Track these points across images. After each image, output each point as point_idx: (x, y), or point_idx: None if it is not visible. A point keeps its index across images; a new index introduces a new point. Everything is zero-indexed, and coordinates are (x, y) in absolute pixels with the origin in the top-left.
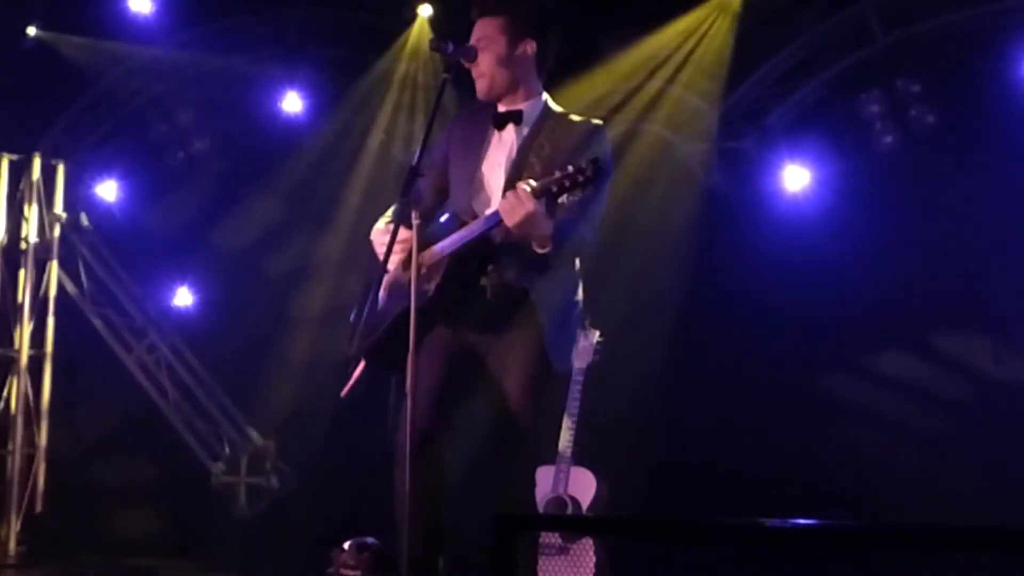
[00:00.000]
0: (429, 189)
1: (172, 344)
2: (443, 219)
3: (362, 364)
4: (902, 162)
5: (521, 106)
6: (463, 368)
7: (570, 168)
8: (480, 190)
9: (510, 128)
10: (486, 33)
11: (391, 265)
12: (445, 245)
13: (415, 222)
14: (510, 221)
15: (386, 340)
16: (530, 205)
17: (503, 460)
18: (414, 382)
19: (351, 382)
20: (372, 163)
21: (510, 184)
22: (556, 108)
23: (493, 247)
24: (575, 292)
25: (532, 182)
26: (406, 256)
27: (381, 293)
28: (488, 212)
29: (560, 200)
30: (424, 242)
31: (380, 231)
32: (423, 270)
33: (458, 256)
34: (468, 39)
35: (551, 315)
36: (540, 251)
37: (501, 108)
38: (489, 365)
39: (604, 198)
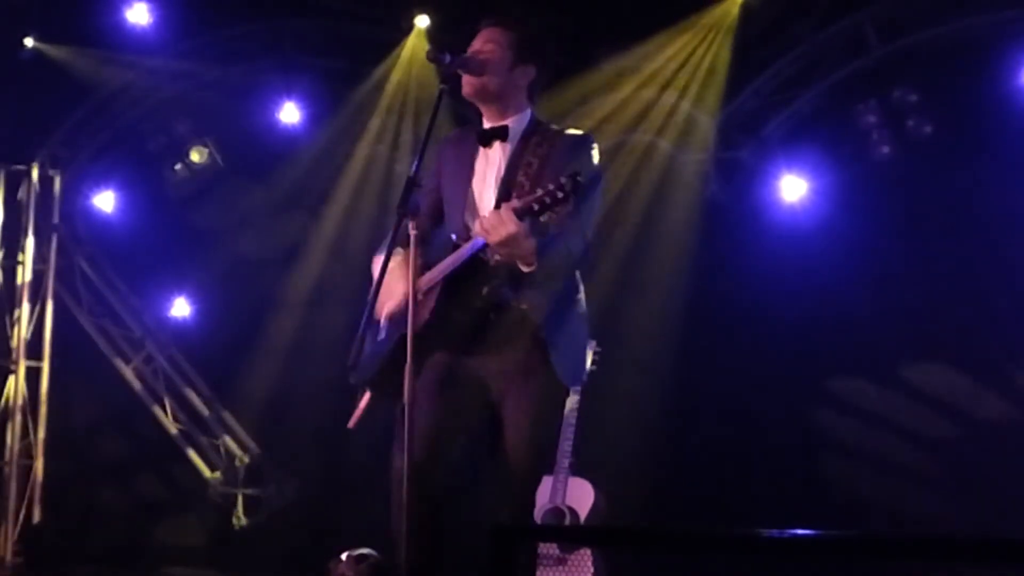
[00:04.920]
0: (425, 211)
1: (169, 355)
2: (438, 242)
3: (368, 394)
4: (899, 172)
5: (507, 122)
6: (462, 394)
7: (550, 186)
8: (473, 211)
9: (496, 145)
10: (493, 39)
11: (388, 306)
12: (438, 271)
13: (413, 232)
14: (492, 240)
15: (388, 368)
16: (512, 226)
17: (508, 483)
18: (412, 394)
19: (358, 412)
20: (369, 173)
21: (500, 204)
22: (543, 120)
23: (486, 268)
24: (576, 304)
25: (515, 202)
26: (398, 302)
27: (384, 322)
28: (472, 238)
29: (542, 219)
30: (421, 267)
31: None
32: (419, 296)
33: (451, 280)
34: (465, 50)
35: (551, 330)
36: (526, 269)
37: (487, 124)
38: (491, 386)
39: (594, 208)
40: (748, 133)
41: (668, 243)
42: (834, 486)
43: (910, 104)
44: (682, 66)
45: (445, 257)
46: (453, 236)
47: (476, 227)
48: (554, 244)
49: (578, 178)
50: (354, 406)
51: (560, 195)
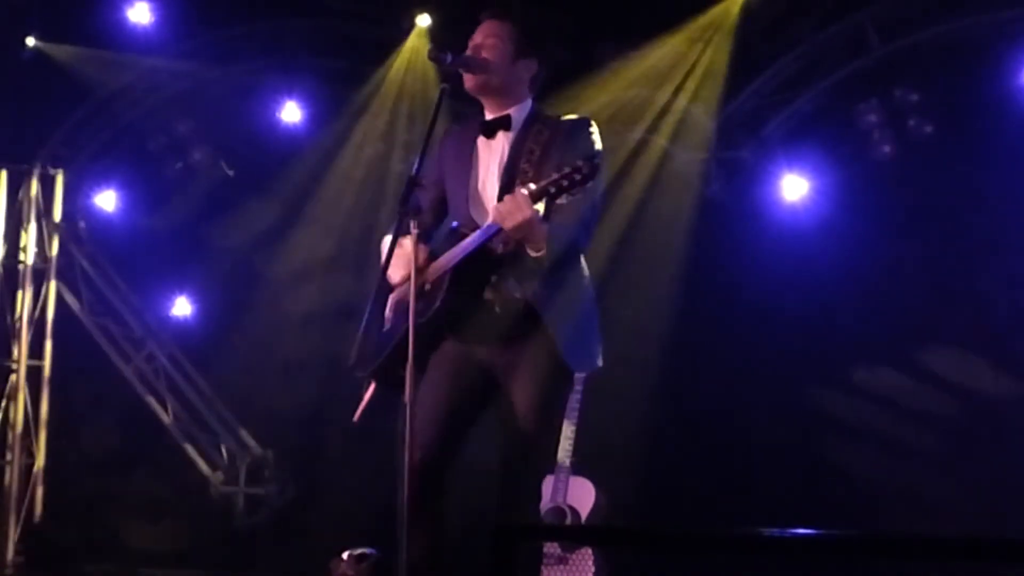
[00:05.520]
0: (428, 207)
1: (170, 354)
2: (444, 233)
3: (372, 386)
4: (900, 171)
5: (509, 111)
6: (472, 386)
7: (566, 168)
8: (477, 201)
9: (499, 135)
10: (494, 33)
11: (395, 281)
12: (446, 260)
13: (414, 231)
14: (508, 224)
15: (393, 359)
16: (527, 210)
17: (511, 472)
18: (412, 393)
19: (363, 405)
20: (370, 172)
21: (504, 191)
22: (543, 110)
23: (494, 258)
24: (585, 291)
25: (531, 185)
26: (409, 272)
27: (388, 312)
28: (486, 223)
29: (558, 201)
30: (427, 255)
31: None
32: (426, 286)
33: (460, 270)
34: (465, 48)
35: (561, 320)
36: (535, 255)
37: (488, 116)
38: (500, 378)
39: (596, 191)
40: (749, 132)
41: (668, 242)
42: (834, 484)
43: (911, 104)
44: (682, 65)
45: (449, 247)
46: (455, 224)
47: (492, 214)
48: (563, 232)
49: (594, 160)
50: (359, 401)
51: (578, 177)
